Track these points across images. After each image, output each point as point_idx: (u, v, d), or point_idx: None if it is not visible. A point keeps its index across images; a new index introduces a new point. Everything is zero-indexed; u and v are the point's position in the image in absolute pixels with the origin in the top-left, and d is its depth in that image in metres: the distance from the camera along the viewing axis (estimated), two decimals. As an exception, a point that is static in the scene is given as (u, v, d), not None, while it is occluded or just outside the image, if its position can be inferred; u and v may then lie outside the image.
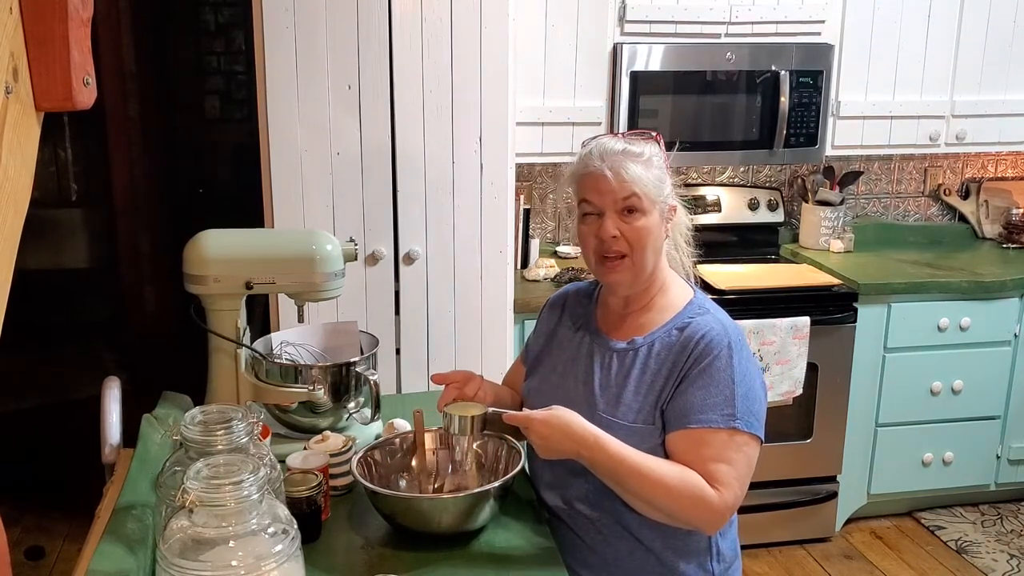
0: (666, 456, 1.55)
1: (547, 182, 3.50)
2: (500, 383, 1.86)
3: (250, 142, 2.69)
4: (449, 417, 1.59)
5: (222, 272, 1.83)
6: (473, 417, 1.58)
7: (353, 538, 1.57)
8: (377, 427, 1.93)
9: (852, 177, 3.60)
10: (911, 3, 3.24)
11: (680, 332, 1.59)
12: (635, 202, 1.56)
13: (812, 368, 3.11)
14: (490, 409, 1.61)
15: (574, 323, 1.74)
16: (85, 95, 0.97)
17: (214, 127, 4.95)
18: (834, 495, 3.30)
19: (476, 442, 1.67)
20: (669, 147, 1.65)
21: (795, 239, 3.65)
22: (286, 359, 1.93)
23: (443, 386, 1.70)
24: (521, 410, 1.77)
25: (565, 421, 1.50)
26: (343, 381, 1.85)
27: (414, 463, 1.70)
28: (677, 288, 1.67)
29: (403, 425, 1.82)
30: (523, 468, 1.62)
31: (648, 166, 1.57)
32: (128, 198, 4.01)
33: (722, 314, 1.63)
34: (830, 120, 3.27)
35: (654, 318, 1.63)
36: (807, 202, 3.57)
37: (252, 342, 1.94)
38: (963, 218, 3.83)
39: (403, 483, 1.68)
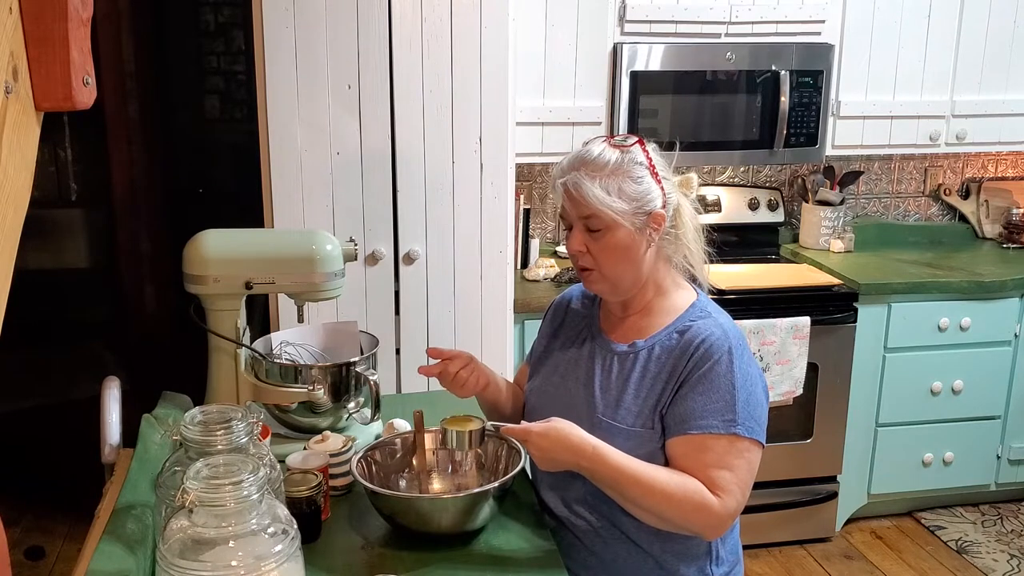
0: (666, 461, 1.55)
1: (547, 182, 3.50)
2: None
3: (250, 142, 2.69)
4: (446, 432, 1.59)
5: (222, 272, 1.83)
6: (471, 432, 1.58)
7: (353, 538, 1.57)
8: (377, 427, 1.93)
9: (852, 177, 3.60)
10: (911, 3, 3.24)
11: (680, 336, 1.57)
12: (595, 222, 1.54)
13: (812, 368, 3.11)
14: (488, 423, 1.62)
15: (577, 324, 1.74)
16: (85, 95, 0.97)
17: (214, 127, 4.95)
18: (834, 495, 3.30)
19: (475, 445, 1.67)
20: (670, 147, 1.63)
21: (795, 239, 3.65)
22: (286, 359, 1.93)
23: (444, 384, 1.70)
24: (522, 409, 1.77)
25: (564, 433, 1.49)
26: (343, 381, 1.85)
27: (414, 463, 1.70)
28: (678, 291, 1.65)
29: (403, 425, 1.82)
30: (523, 469, 1.62)
31: (613, 178, 1.52)
32: (128, 198, 4.01)
33: (724, 317, 1.61)
34: (830, 120, 3.27)
35: (655, 321, 1.62)
36: (807, 202, 3.58)
37: (252, 342, 1.94)
38: (963, 218, 3.83)
39: (403, 483, 1.68)
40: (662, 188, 1.56)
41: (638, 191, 1.54)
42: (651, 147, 1.59)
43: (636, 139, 1.59)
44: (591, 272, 1.59)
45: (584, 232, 1.56)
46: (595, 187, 1.52)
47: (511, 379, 1.90)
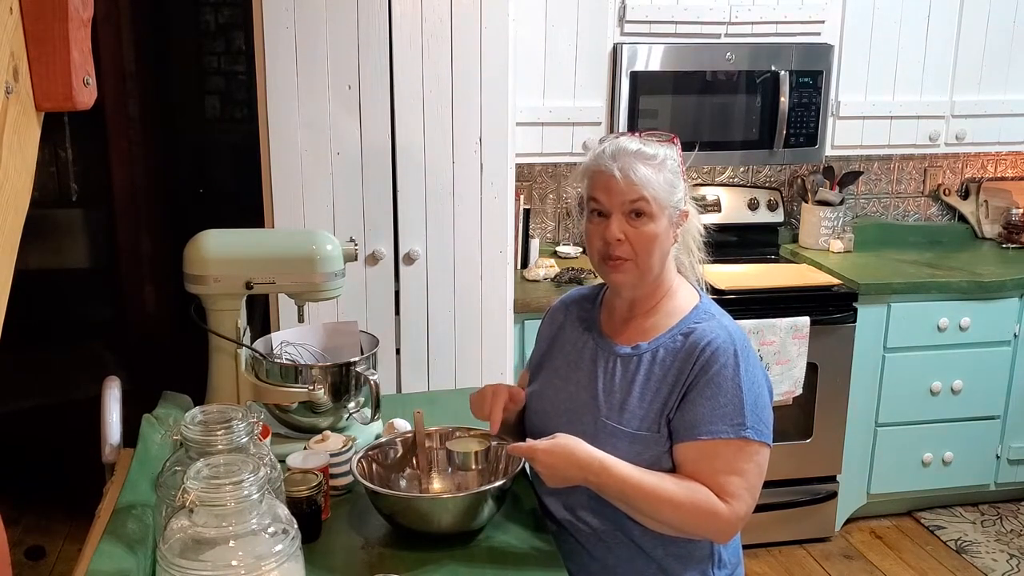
0: (672, 465, 1.55)
1: (547, 182, 3.50)
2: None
3: (250, 142, 2.69)
4: (451, 452, 1.61)
5: (222, 272, 1.83)
6: (476, 453, 1.61)
7: (353, 538, 1.57)
8: (377, 427, 1.93)
9: (852, 177, 3.60)
10: (911, 3, 3.24)
11: (685, 338, 1.57)
12: (642, 206, 1.54)
13: (812, 368, 3.11)
14: (493, 442, 1.63)
15: (578, 326, 1.73)
16: (85, 95, 0.97)
17: (214, 127, 4.95)
18: (834, 495, 3.30)
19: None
20: (687, 150, 1.65)
21: (795, 239, 3.65)
22: (286, 359, 1.93)
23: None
24: (522, 415, 1.77)
25: (569, 449, 1.49)
26: (343, 381, 1.85)
27: (414, 463, 1.71)
28: (684, 292, 1.65)
29: (403, 425, 1.82)
30: (525, 471, 1.62)
31: (660, 169, 1.55)
32: (128, 198, 4.01)
33: (727, 319, 1.62)
34: (830, 120, 3.27)
35: (659, 322, 1.62)
36: (807, 202, 3.58)
37: (252, 342, 1.94)
38: (963, 218, 3.83)
39: (403, 483, 1.68)
40: (685, 186, 1.61)
41: (677, 185, 1.59)
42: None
43: (672, 136, 1.63)
44: (624, 262, 1.57)
45: (624, 219, 1.56)
46: (649, 172, 1.54)
47: (512, 382, 1.90)
